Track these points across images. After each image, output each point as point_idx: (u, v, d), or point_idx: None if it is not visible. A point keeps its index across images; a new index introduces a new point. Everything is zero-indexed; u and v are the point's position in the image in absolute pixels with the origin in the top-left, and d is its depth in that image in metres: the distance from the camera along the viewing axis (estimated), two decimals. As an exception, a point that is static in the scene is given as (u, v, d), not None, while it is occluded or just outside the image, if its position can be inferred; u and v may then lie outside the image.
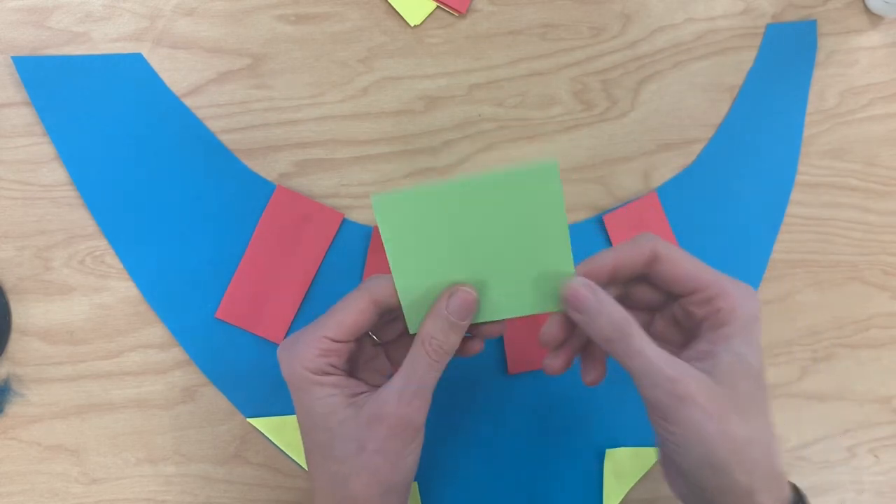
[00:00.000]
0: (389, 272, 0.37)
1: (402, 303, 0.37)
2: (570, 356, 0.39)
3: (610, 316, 0.35)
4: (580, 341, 0.39)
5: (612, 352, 0.35)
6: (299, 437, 0.46)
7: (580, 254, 0.51)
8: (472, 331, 0.39)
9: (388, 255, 0.36)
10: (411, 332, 0.38)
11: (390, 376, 0.37)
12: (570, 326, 0.38)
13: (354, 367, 0.39)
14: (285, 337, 0.47)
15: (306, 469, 0.47)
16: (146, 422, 0.47)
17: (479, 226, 0.35)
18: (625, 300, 0.39)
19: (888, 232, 0.56)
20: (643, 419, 0.43)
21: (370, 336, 0.40)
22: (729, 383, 0.34)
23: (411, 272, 0.36)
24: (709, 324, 0.37)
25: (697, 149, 0.54)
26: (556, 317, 0.38)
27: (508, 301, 0.37)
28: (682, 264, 0.38)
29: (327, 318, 0.37)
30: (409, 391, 0.36)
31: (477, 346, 0.40)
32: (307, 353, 0.36)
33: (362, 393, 0.37)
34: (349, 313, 0.36)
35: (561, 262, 0.36)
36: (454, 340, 0.37)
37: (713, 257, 0.52)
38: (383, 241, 0.36)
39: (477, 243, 0.36)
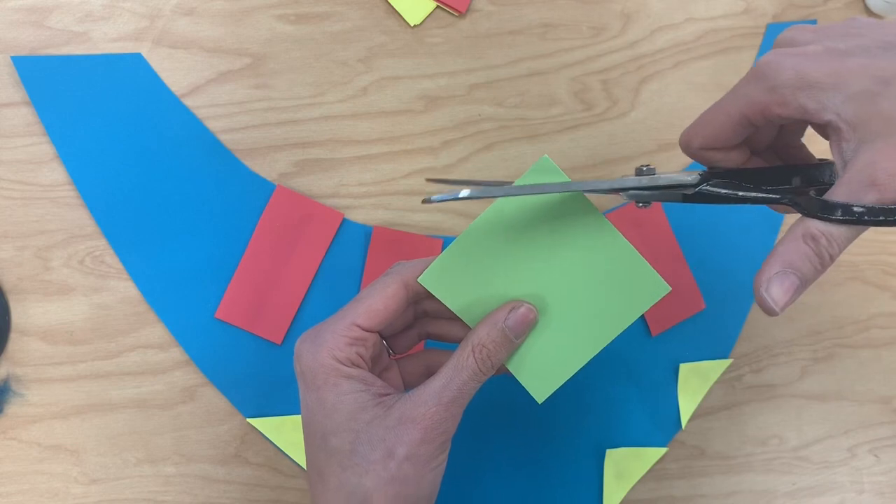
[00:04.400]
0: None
1: (450, 248, 0.35)
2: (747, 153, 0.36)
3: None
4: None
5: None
6: (299, 437, 0.46)
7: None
8: None
9: (455, 311, 0.35)
10: (420, 279, 0.35)
11: (382, 368, 0.36)
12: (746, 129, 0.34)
13: (378, 369, 0.37)
14: (281, 344, 0.47)
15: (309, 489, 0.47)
16: (146, 422, 0.47)
17: (573, 260, 0.35)
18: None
19: (888, 232, 0.56)
20: (643, 419, 0.43)
21: (385, 346, 0.38)
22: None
23: (490, 236, 0.35)
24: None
25: (697, 149, 0.53)
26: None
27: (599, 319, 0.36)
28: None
29: (356, 304, 0.34)
30: (449, 394, 0.33)
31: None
32: (336, 342, 0.34)
33: (389, 394, 0.34)
34: (379, 298, 0.34)
35: (621, 253, 0.35)
36: (503, 356, 0.35)
37: (713, 257, 0.53)
38: (448, 306, 0.35)
39: (532, 268, 0.35)
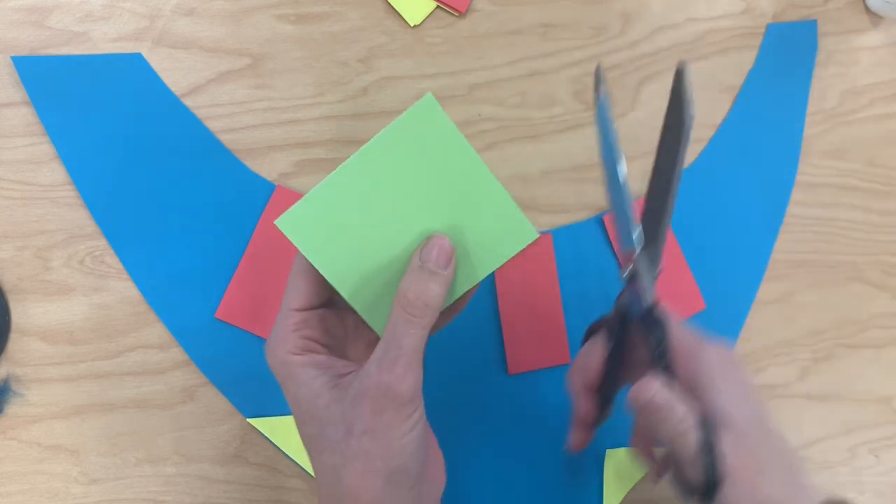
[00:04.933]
0: None
1: (357, 310, 0.34)
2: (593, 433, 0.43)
3: (679, 412, 0.35)
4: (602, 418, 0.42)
5: (674, 443, 0.35)
6: (299, 437, 0.46)
7: (580, 253, 0.51)
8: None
9: (319, 269, 0.34)
10: (380, 334, 0.35)
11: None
12: (599, 405, 0.42)
13: (338, 343, 0.36)
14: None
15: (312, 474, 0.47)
16: (146, 422, 0.47)
17: (396, 195, 0.33)
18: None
19: (888, 232, 0.56)
20: None
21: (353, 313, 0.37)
22: (741, 444, 0.35)
23: (353, 275, 0.34)
24: (688, 385, 0.37)
25: (697, 149, 0.54)
26: (590, 397, 0.41)
27: (468, 262, 0.35)
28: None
29: (286, 292, 0.35)
30: (388, 358, 0.32)
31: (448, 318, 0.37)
32: (283, 334, 0.34)
33: (350, 373, 0.34)
34: (302, 276, 0.34)
35: (494, 197, 0.34)
36: (436, 292, 0.33)
37: (713, 257, 0.53)
38: (309, 259, 0.33)
39: (405, 215, 0.34)
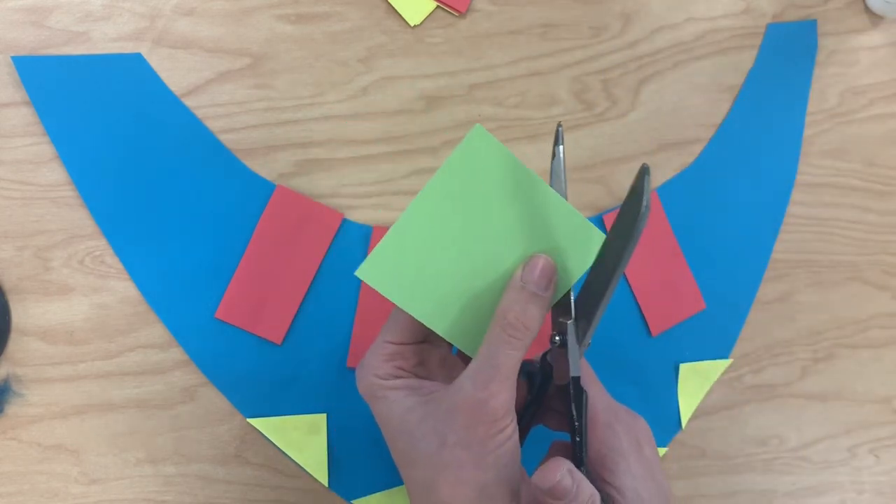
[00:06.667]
0: None
1: (453, 342, 0.36)
2: None
3: (583, 498, 0.34)
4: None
5: None
6: (299, 437, 0.46)
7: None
8: None
9: (407, 310, 0.35)
10: (470, 354, 0.36)
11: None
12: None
13: (431, 373, 0.38)
14: (281, 344, 0.47)
15: (327, 486, 0.47)
16: (146, 422, 0.47)
17: (466, 226, 0.34)
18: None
19: (888, 232, 0.56)
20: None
21: (448, 344, 0.39)
22: None
23: (442, 310, 0.35)
24: (595, 457, 0.37)
25: (697, 149, 0.54)
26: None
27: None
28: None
29: (388, 323, 0.37)
30: (483, 374, 0.33)
31: None
32: (375, 362, 0.36)
33: (436, 391, 0.35)
34: (402, 312, 0.36)
35: (557, 210, 0.35)
36: (535, 314, 0.34)
37: (713, 257, 0.53)
38: (395, 303, 0.35)
39: (480, 243, 0.35)
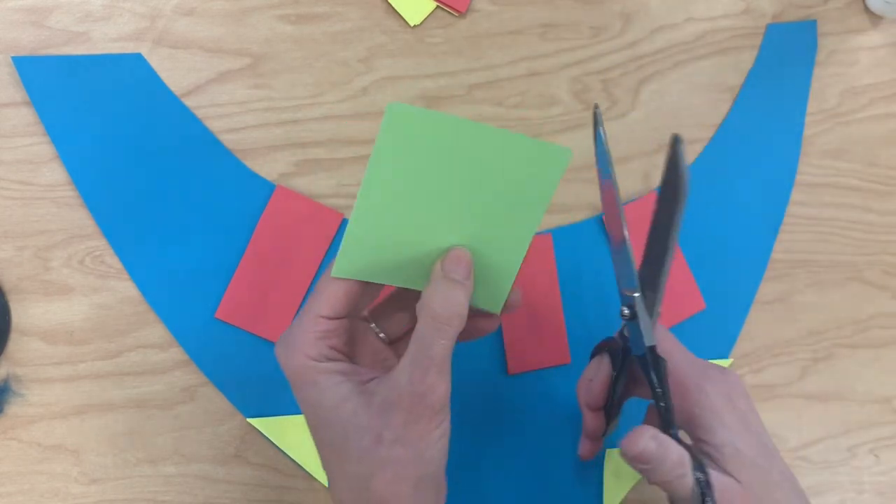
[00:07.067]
0: None
1: (348, 234, 0.34)
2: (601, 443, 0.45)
3: (672, 460, 0.35)
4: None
5: (667, 488, 0.36)
6: (299, 437, 0.46)
7: (580, 253, 0.51)
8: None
9: (369, 170, 0.33)
10: (333, 274, 0.35)
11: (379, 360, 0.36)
12: (605, 418, 0.44)
13: (360, 355, 0.37)
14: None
15: (326, 485, 0.47)
16: (146, 422, 0.47)
17: (469, 182, 0.34)
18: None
19: (888, 232, 0.56)
20: (643, 419, 0.43)
21: (374, 331, 0.38)
22: (743, 480, 0.36)
23: (380, 205, 0.34)
24: (689, 419, 0.38)
25: (697, 149, 0.54)
26: (596, 412, 0.44)
27: (520, 211, 0.36)
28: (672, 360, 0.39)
29: (317, 296, 0.34)
30: (419, 368, 0.32)
31: (489, 325, 0.38)
32: (304, 339, 0.33)
33: (372, 379, 0.34)
34: (337, 284, 0.34)
35: (510, 146, 0.34)
36: (461, 300, 0.33)
37: (713, 257, 0.53)
38: (374, 152, 0.33)
39: (442, 208, 0.34)
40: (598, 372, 0.43)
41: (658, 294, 0.38)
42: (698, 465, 0.36)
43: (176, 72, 0.48)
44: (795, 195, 0.54)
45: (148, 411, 0.47)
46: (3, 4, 0.47)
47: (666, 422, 0.38)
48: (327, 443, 0.34)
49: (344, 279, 0.34)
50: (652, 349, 0.38)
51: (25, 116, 0.47)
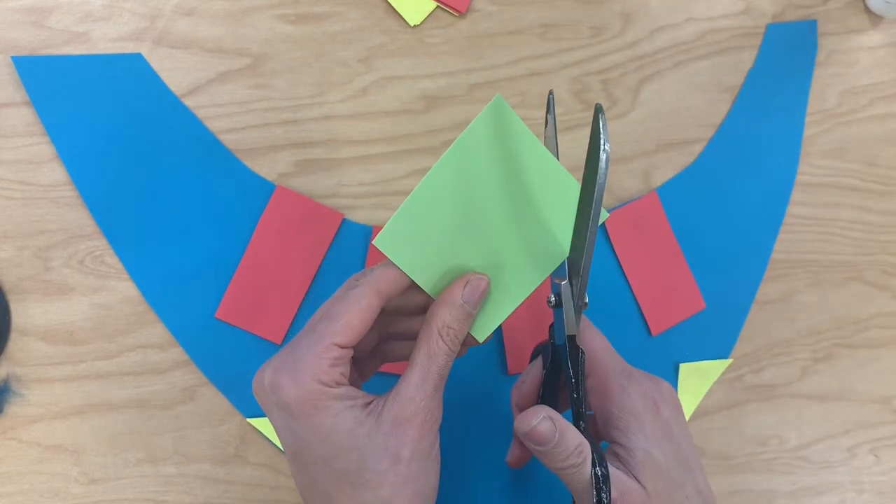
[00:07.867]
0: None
1: (403, 209, 0.35)
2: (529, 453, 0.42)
3: (567, 447, 0.35)
4: None
5: (564, 478, 0.36)
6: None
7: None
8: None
9: (418, 283, 0.35)
10: (375, 242, 0.35)
11: (353, 382, 0.35)
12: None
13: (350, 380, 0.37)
14: (281, 344, 0.47)
15: None
16: (146, 422, 0.47)
17: (476, 197, 0.35)
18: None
19: (888, 232, 0.56)
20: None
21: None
22: (650, 487, 0.35)
23: (438, 195, 0.35)
24: (608, 420, 0.38)
25: (697, 149, 0.54)
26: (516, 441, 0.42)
27: (516, 279, 0.37)
28: (598, 359, 0.39)
29: (331, 322, 0.33)
30: (430, 384, 0.33)
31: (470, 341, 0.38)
32: (320, 366, 0.32)
33: (372, 401, 0.34)
34: (356, 312, 0.33)
35: (526, 283, 0.36)
36: (466, 327, 0.35)
37: (713, 257, 0.53)
38: (408, 274, 0.35)
39: (486, 214, 0.35)
40: (529, 373, 0.42)
41: (582, 280, 0.36)
42: (600, 461, 0.35)
43: (176, 72, 0.48)
44: (795, 195, 0.54)
45: (148, 411, 0.47)
46: (3, 4, 0.47)
47: (576, 414, 0.36)
48: (341, 475, 0.33)
49: (365, 307, 0.34)
50: (571, 338, 0.37)
51: (25, 116, 0.47)
